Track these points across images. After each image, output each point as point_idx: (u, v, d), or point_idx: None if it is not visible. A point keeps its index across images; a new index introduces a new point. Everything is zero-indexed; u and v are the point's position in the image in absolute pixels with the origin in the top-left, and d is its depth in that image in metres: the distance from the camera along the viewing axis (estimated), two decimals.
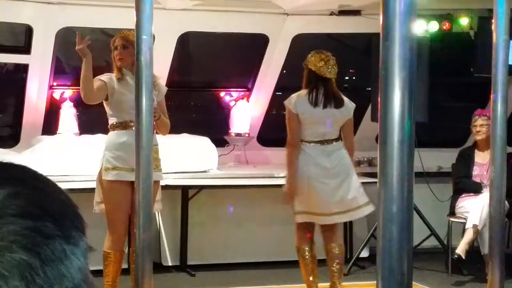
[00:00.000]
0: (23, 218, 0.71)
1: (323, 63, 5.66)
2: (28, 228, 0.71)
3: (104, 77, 5.52)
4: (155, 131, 5.33)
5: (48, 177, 0.79)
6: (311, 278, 5.82)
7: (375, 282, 1.93)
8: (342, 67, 9.13)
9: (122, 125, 5.48)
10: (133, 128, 5.25)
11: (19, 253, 0.69)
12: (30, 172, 0.77)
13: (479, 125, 7.20)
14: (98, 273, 5.33)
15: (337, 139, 5.71)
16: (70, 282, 0.72)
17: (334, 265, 5.79)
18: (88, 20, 7.34)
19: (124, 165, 5.37)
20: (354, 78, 9.42)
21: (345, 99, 5.76)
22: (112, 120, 5.54)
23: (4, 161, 0.79)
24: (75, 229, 0.75)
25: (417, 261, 6.86)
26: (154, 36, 3.74)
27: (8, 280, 0.68)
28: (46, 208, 0.73)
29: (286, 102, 5.73)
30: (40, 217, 0.72)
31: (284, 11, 7.65)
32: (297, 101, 5.62)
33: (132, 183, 5.18)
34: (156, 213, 6.89)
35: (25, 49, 7.27)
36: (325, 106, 5.62)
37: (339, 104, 5.67)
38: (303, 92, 5.68)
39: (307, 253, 5.78)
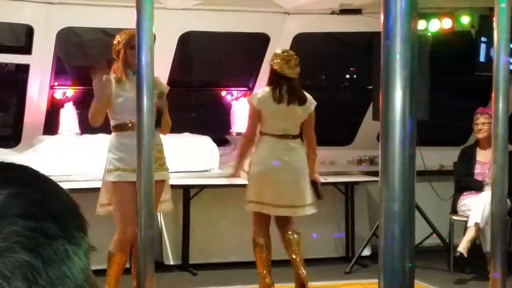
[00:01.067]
0: (25, 219, 0.71)
1: (284, 62, 5.88)
2: (30, 229, 0.70)
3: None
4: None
5: (50, 177, 0.78)
6: (265, 272, 5.99)
7: (377, 280, 1.93)
8: (343, 66, 9.16)
9: (121, 127, 5.47)
10: (131, 130, 5.28)
11: (21, 253, 0.69)
12: (32, 172, 0.77)
13: (481, 123, 7.21)
14: (100, 272, 5.33)
15: (297, 136, 5.94)
16: (73, 283, 0.72)
17: (294, 251, 5.96)
18: (88, 20, 7.34)
19: (125, 166, 5.36)
20: (355, 77, 9.42)
21: (308, 96, 5.96)
22: (112, 122, 5.54)
23: (6, 161, 0.79)
24: (77, 230, 0.75)
25: (419, 259, 6.85)
26: (155, 35, 3.74)
27: (10, 281, 0.68)
28: (48, 208, 0.73)
29: (249, 98, 6.00)
30: (42, 217, 0.72)
31: (285, 10, 7.64)
32: (261, 98, 5.85)
33: (135, 183, 5.18)
34: (158, 212, 6.89)
35: (26, 49, 7.27)
36: (289, 103, 5.84)
37: (302, 101, 5.89)
38: (267, 88, 5.90)
39: (263, 246, 5.96)
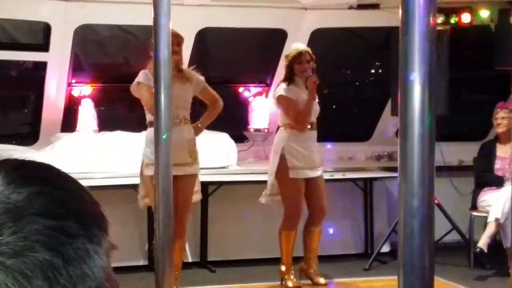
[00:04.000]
0: (46, 218, 0.71)
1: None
2: (51, 228, 0.70)
3: (145, 79, 5.66)
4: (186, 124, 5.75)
5: (71, 176, 0.78)
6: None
7: (396, 277, 1.92)
8: (361, 62, 9.12)
9: None
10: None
11: (42, 252, 0.69)
12: (54, 171, 0.77)
13: (500, 118, 7.18)
14: (122, 270, 5.33)
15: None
16: (93, 282, 0.71)
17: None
18: (106, 17, 7.36)
19: None
20: (373, 72, 9.38)
21: None
22: (148, 117, 5.69)
23: (26, 159, 0.78)
24: (98, 228, 0.74)
25: (438, 255, 6.80)
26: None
27: (31, 280, 0.68)
28: (69, 207, 0.73)
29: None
30: (63, 216, 0.72)
31: (302, 6, 7.63)
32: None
33: (173, 177, 5.28)
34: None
35: (44, 47, 7.31)
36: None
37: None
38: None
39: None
